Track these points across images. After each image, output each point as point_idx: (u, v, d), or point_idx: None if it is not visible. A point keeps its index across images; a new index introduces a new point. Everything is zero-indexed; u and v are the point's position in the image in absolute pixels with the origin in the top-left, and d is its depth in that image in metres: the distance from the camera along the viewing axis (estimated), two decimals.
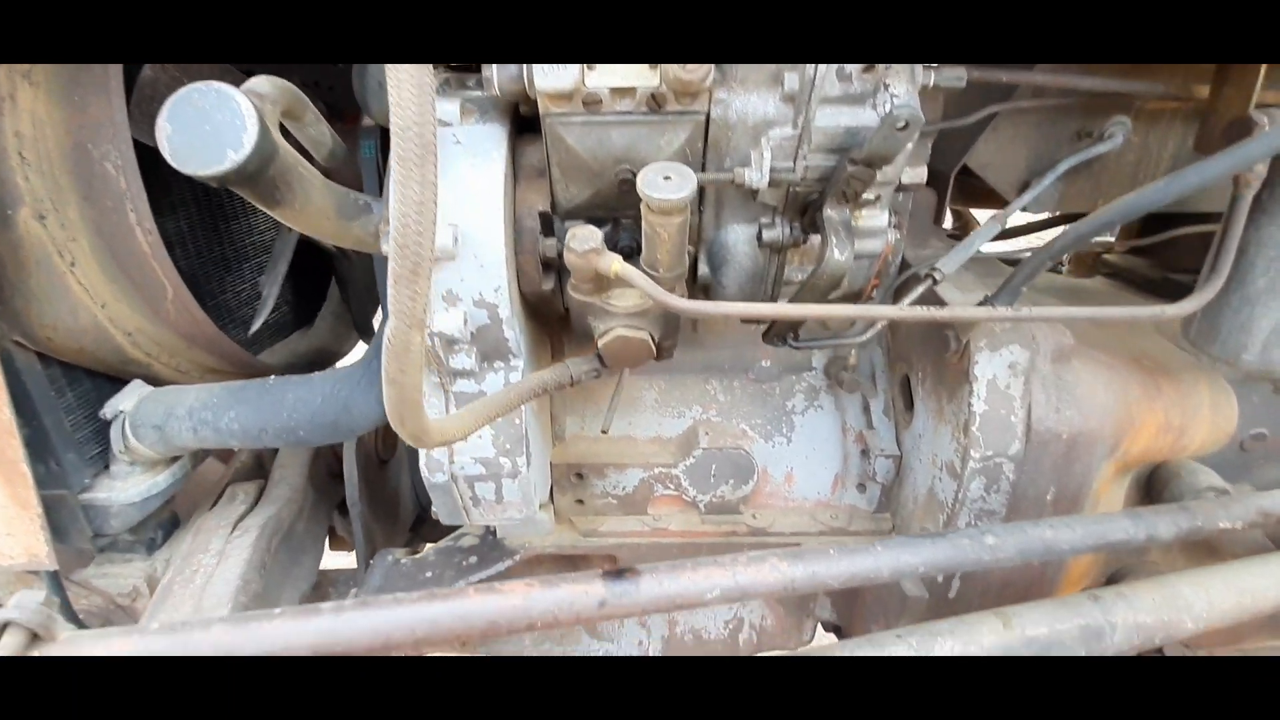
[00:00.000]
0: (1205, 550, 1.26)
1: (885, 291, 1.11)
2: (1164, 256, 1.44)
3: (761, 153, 0.83)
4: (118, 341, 1.09)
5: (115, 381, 1.19)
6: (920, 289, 0.96)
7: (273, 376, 1.15)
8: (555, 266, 0.97)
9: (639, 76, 0.78)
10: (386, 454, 1.56)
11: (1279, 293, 0.83)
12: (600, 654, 1.41)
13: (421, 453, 1.02)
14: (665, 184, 0.74)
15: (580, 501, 1.28)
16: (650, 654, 1.42)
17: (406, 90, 0.51)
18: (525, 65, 0.79)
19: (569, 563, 1.31)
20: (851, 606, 1.31)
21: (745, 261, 0.96)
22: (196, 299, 1.12)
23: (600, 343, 0.90)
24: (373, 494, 1.46)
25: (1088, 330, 1.08)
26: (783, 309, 0.85)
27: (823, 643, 1.21)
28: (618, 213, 0.95)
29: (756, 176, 0.83)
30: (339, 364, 1.76)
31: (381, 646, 0.64)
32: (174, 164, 0.74)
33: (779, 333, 1.01)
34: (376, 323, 1.75)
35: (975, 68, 0.90)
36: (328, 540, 1.71)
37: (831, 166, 0.83)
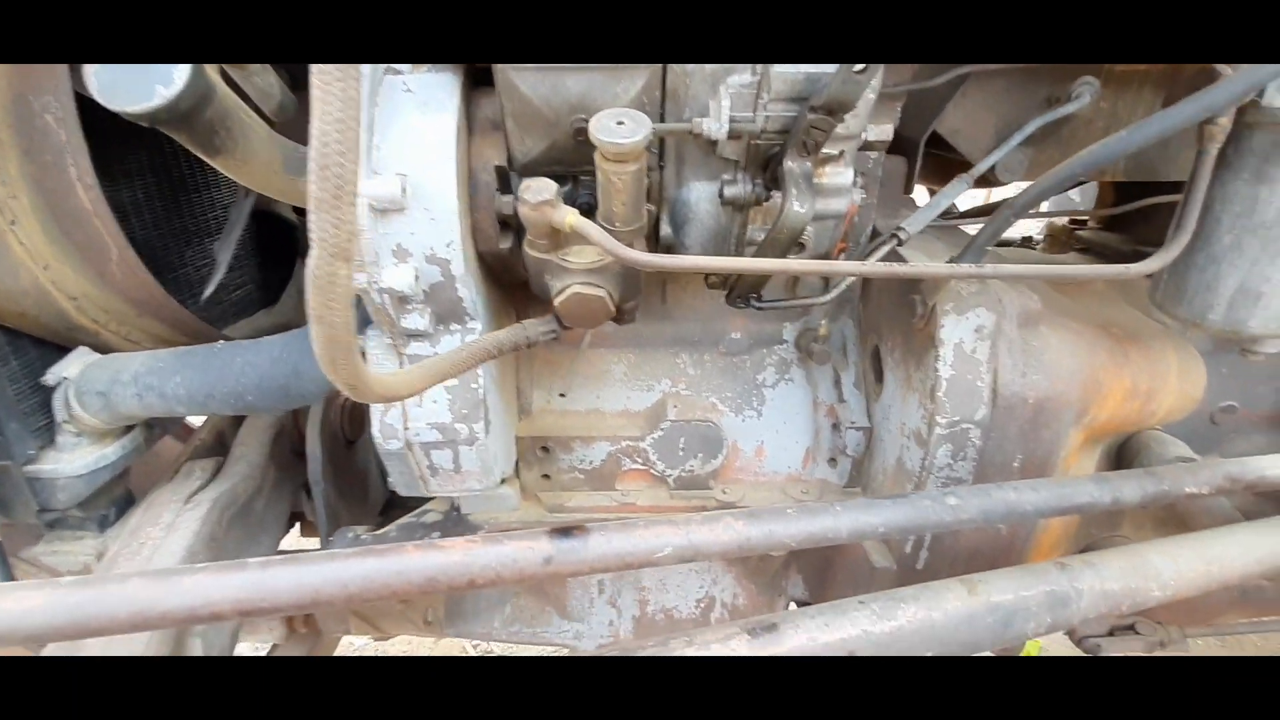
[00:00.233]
0: (1177, 525, 1.25)
1: (854, 257, 1.10)
2: (1137, 231, 1.43)
3: (720, 101, 0.80)
4: (61, 305, 1.05)
5: (63, 350, 1.14)
6: (885, 248, 0.94)
7: (221, 341, 1.12)
8: (514, 225, 0.94)
9: None
10: (354, 434, 1.52)
11: (1244, 250, 0.81)
12: (570, 634, 1.39)
13: (375, 417, 0.99)
14: (618, 128, 0.72)
15: (546, 476, 1.25)
16: (622, 634, 1.40)
17: None
18: None
19: None
20: (823, 582, 1.29)
21: (707, 220, 0.94)
22: (154, 272, 1.08)
23: (556, 301, 0.87)
24: (338, 474, 1.42)
25: (1056, 299, 1.07)
26: (740, 263, 0.83)
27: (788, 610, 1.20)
28: (576, 169, 0.92)
29: (715, 126, 0.80)
30: None
31: (310, 603, 0.61)
32: (101, 100, 0.71)
33: (741, 293, 0.99)
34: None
35: None
36: (298, 526, 1.67)
37: (793, 117, 0.81)
